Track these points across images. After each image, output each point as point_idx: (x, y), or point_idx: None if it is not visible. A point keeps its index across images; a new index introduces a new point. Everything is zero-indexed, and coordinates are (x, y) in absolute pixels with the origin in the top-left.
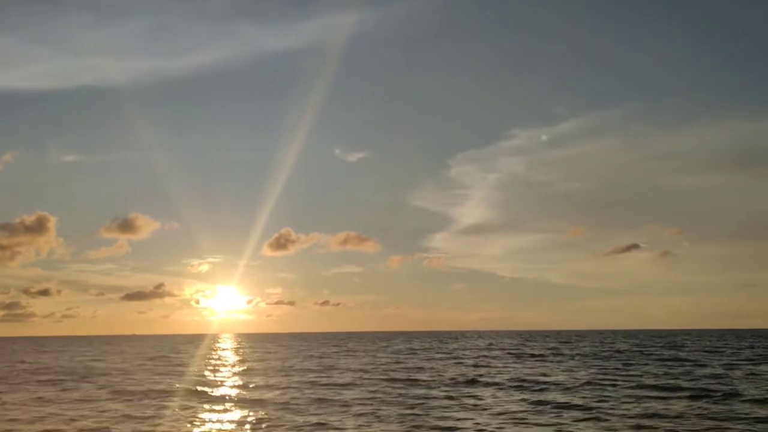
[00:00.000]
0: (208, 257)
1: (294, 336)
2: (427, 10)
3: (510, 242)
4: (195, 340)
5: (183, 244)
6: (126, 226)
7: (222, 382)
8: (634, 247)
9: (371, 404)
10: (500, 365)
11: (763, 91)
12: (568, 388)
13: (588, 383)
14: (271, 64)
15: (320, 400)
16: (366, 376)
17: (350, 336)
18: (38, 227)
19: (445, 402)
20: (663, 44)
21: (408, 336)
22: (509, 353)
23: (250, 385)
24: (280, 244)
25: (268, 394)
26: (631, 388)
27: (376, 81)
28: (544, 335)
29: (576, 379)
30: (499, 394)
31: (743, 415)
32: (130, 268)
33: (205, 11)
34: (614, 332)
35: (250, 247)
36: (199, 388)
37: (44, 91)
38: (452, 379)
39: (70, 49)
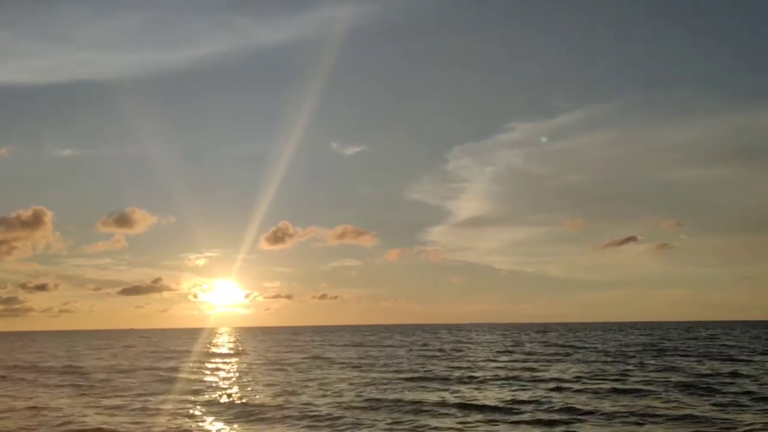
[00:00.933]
0: (206, 251)
1: (291, 329)
2: (424, 3)
3: (508, 235)
4: (191, 333)
5: (180, 238)
6: (123, 220)
7: (187, 377)
8: (632, 239)
9: (349, 406)
10: (492, 359)
11: (761, 84)
12: (560, 383)
13: (577, 379)
14: (267, 57)
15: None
16: (355, 373)
17: (346, 329)
18: (35, 222)
19: (432, 401)
20: (661, 36)
21: (404, 329)
22: (502, 346)
23: (213, 381)
24: (278, 237)
25: (224, 393)
26: (617, 382)
27: (374, 74)
28: (542, 328)
29: (567, 374)
30: (486, 389)
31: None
32: (128, 263)
33: (201, 4)
34: (612, 324)
35: (247, 241)
36: (161, 385)
37: (40, 85)
38: (440, 375)
39: (66, 43)
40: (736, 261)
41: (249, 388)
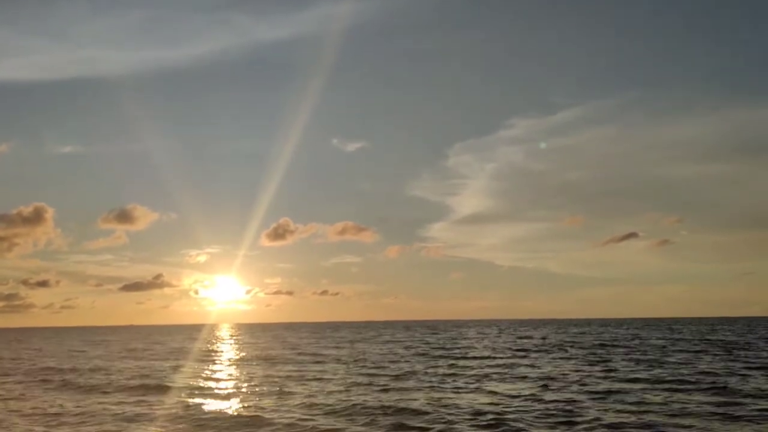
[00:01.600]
0: (207, 248)
1: (292, 326)
2: (424, 0)
3: (508, 231)
4: (191, 330)
5: (181, 234)
6: (124, 216)
7: (166, 375)
8: (633, 235)
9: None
10: (487, 356)
11: (761, 80)
12: (553, 382)
13: (571, 378)
14: (267, 54)
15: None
16: (346, 371)
17: (346, 326)
18: (36, 218)
19: (421, 401)
20: (661, 34)
21: (404, 325)
22: (500, 343)
23: (191, 381)
24: (279, 234)
25: (193, 395)
26: (613, 381)
27: (374, 71)
28: (541, 324)
29: (562, 372)
30: (480, 389)
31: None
32: (129, 259)
33: (201, 2)
34: (611, 320)
35: (248, 237)
36: (130, 384)
37: (41, 82)
38: (433, 374)
39: (66, 41)
40: (736, 257)
41: (225, 389)
